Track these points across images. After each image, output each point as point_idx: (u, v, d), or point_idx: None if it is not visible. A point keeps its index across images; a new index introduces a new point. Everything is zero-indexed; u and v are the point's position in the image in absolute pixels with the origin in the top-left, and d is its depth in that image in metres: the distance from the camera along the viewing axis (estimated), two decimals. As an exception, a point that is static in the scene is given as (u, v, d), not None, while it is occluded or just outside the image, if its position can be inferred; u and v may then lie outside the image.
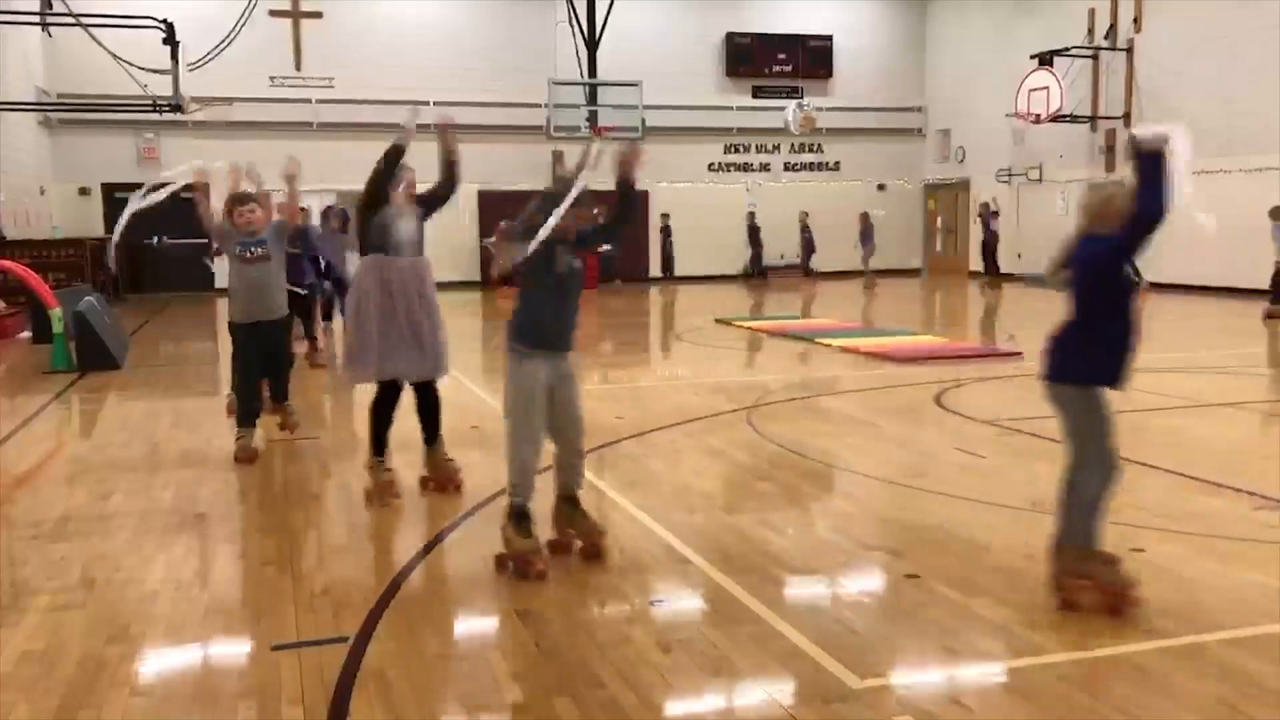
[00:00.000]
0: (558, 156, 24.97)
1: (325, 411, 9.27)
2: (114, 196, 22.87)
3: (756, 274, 24.60)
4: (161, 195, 7.46)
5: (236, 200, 6.86)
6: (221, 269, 8.78)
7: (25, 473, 6.83)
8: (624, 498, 5.80)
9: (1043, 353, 4.20)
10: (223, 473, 6.58)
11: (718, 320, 15.72)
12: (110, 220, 22.64)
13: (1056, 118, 21.77)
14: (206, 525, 5.47)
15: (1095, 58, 22.10)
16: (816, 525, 5.41)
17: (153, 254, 23.22)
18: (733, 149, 26.60)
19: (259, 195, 6.98)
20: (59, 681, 3.56)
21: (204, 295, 21.19)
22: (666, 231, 24.84)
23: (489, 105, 24.10)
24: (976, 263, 24.96)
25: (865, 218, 24.28)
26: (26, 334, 13.90)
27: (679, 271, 24.54)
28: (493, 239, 23.06)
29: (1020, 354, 11.34)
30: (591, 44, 24.62)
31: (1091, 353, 4.13)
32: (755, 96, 26.31)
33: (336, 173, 22.95)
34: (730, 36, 26.01)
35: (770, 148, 26.70)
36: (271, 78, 23.36)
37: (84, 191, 22.76)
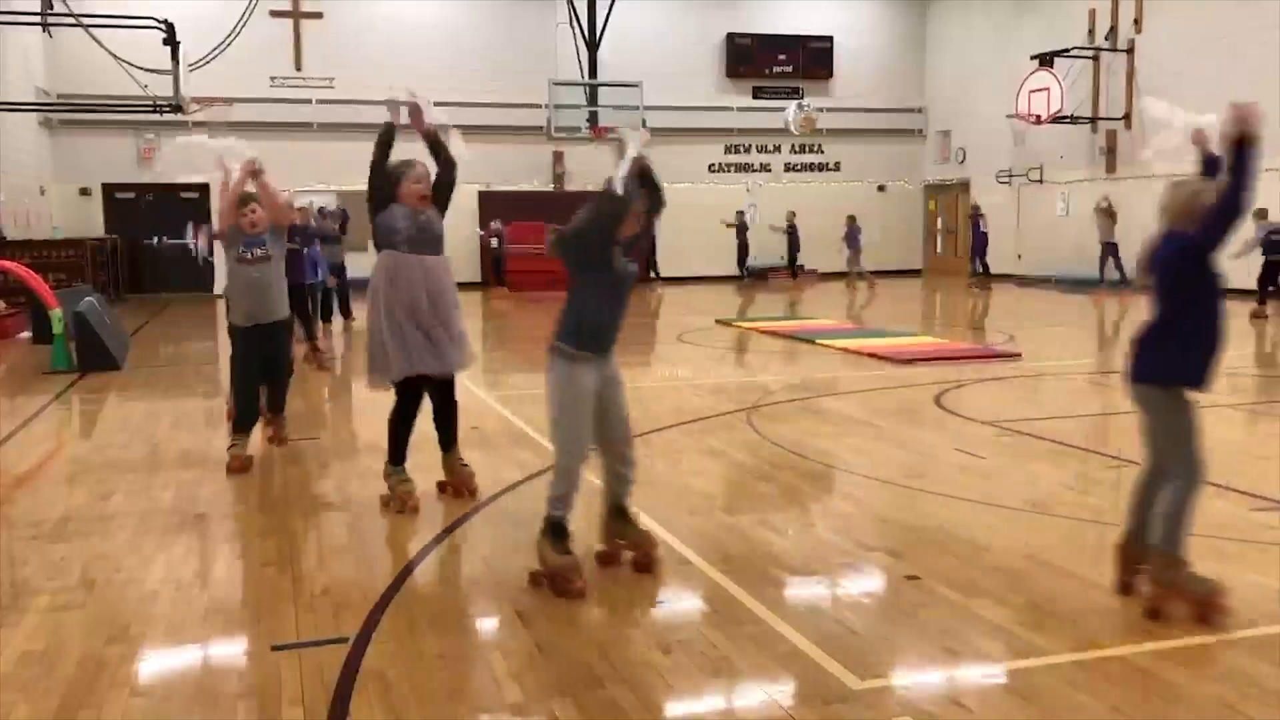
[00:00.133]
0: (558, 157, 25.00)
1: (325, 412, 9.26)
2: (114, 197, 22.91)
3: (745, 275, 24.41)
4: (209, 143, 7.34)
5: (241, 200, 6.74)
6: (221, 270, 8.66)
7: (25, 473, 6.83)
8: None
9: (1127, 353, 4.14)
10: (223, 473, 6.57)
11: (718, 321, 15.72)
12: (111, 221, 22.68)
13: (1057, 119, 21.79)
14: (206, 526, 5.47)
15: (1096, 58, 22.11)
16: (816, 526, 5.41)
17: (153, 254, 23.24)
18: (733, 149, 26.62)
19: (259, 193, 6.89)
20: (59, 682, 3.56)
21: (204, 296, 21.20)
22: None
23: (489, 106, 24.10)
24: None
25: (852, 220, 24.34)
26: (27, 334, 13.90)
27: (680, 272, 24.52)
28: (485, 232, 23.10)
29: (1019, 355, 11.35)
30: (592, 44, 24.65)
31: (1175, 353, 3.99)
32: (755, 97, 26.33)
33: (337, 173, 23.03)
34: (730, 37, 26.02)
35: (771, 148, 26.72)
36: (272, 78, 23.38)
37: (84, 192, 22.78)
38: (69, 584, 4.54)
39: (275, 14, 22.92)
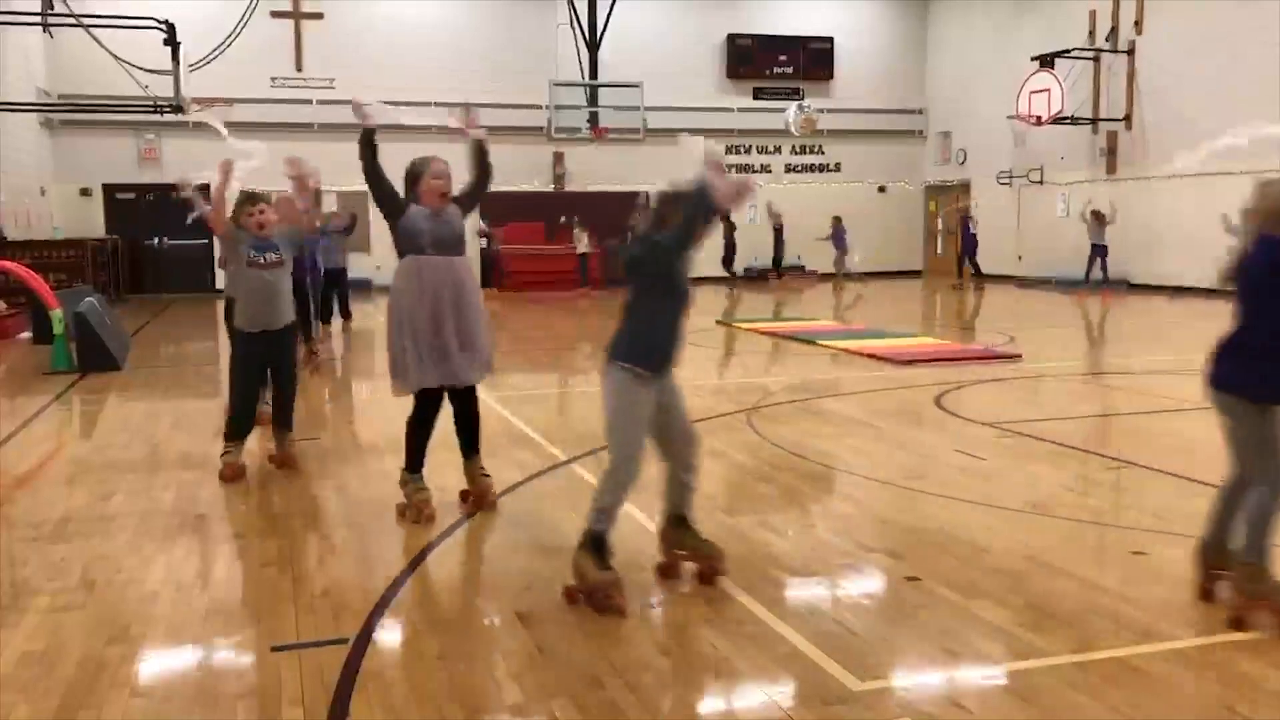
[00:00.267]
0: (558, 158, 25.01)
1: (325, 412, 9.26)
2: (115, 197, 22.91)
3: (734, 276, 24.22)
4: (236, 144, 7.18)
5: (247, 200, 6.45)
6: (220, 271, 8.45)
7: (26, 473, 6.83)
8: (624, 499, 5.79)
9: (1208, 358, 4.08)
10: (223, 474, 6.58)
11: (718, 322, 15.72)
12: (112, 221, 22.67)
13: (1057, 120, 21.78)
14: (207, 526, 5.47)
15: (1096, 59, 22.11)
16: (816, 527, 5.41)
17: (154, 255, 23.25)
18: (733, 150, 26.60)
19: (274, 197, 6.66)
20: (59, 682, 3.56)
21: (205, 296, 21.20)
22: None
23: (490, 106, 24.06)
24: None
25: (837, 221, 24.37)
26: (27, 334, 13.91)
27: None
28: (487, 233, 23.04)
29: (1020, 356, 11.35)
30: (592, 45, 24.65)
31: (1261, 365, 3.86)
32: (756, 98, 26.32)
33: (338, 173, 22.99)
34: (731, 38, 26.02)
35: (771, 149, 26.71)
36: (272, 78, 23.38)
37: (85, 192, 22.78)
38: (69, 584, 4.54)
39: (276, 14, 22.91)
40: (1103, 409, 8.93)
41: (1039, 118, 22.03)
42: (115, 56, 18.21)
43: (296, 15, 23.56)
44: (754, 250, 25.16)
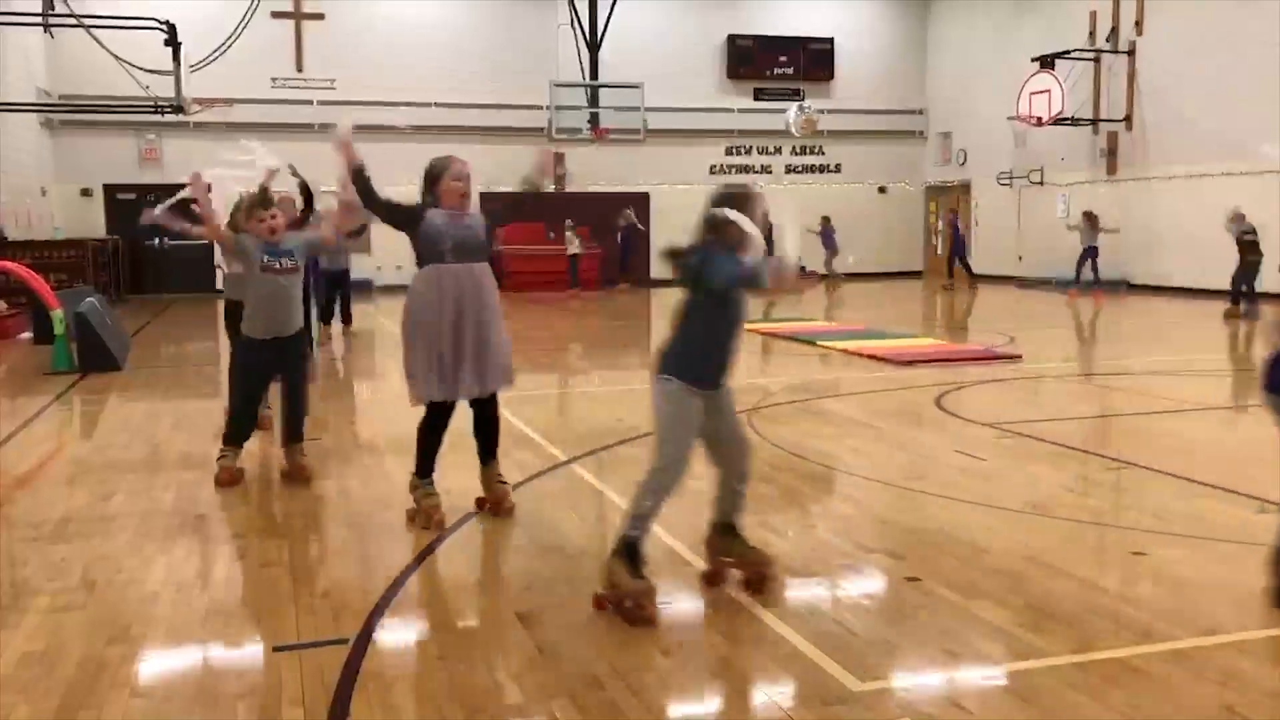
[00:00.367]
0: (559, 158, 25.01)
1: (326, 413, 9.26)
2: (115, 198, 22.92)
3: None
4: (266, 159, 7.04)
5: (258, 203, 6.19)
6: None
7: (26, 473, 6.83)
8: (625, 500, 5.78)
9: (1264, 363, 4.07)
10: (223, 474, 6.58)
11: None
12: (112, 221, 22.67)
13: (1058, 120, 21.79)
14: (207, 527, 5.47)
15: (1097, 60, 22.12)
16: (816, 527, 5.41)
17: (155, 255, 23.26)
18: (734, 151, 26.63)
19: (282, 200, 6.48)
20: (59, 682, 3.56)
21: (205, 297, 21.20)
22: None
23: (490, 107, 24.14)
24: (977, 265, 24.97)
25: (826, 221, 24.39)
26: (28, 335, 13.92)
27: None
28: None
29: (1020, 356, 11.35)
30: (593, 46, 24.67)
31: None
32: (756, 99, 26.34)
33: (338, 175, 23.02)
34: (732, 38, 26.04)
35: (771, 150, 26.73)
36: (273, 79, 23.41)
37: (85, 193, 22.80)
38: (69, 585, 4.54)
39: (276, 15, 22.94)
40: (1103, 409, 8.93)
41: (1039, 118, 22.04)
42: (116, 57, 18.23)
43: (297, 16, 23.58)
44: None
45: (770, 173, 26.82)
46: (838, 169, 27.30)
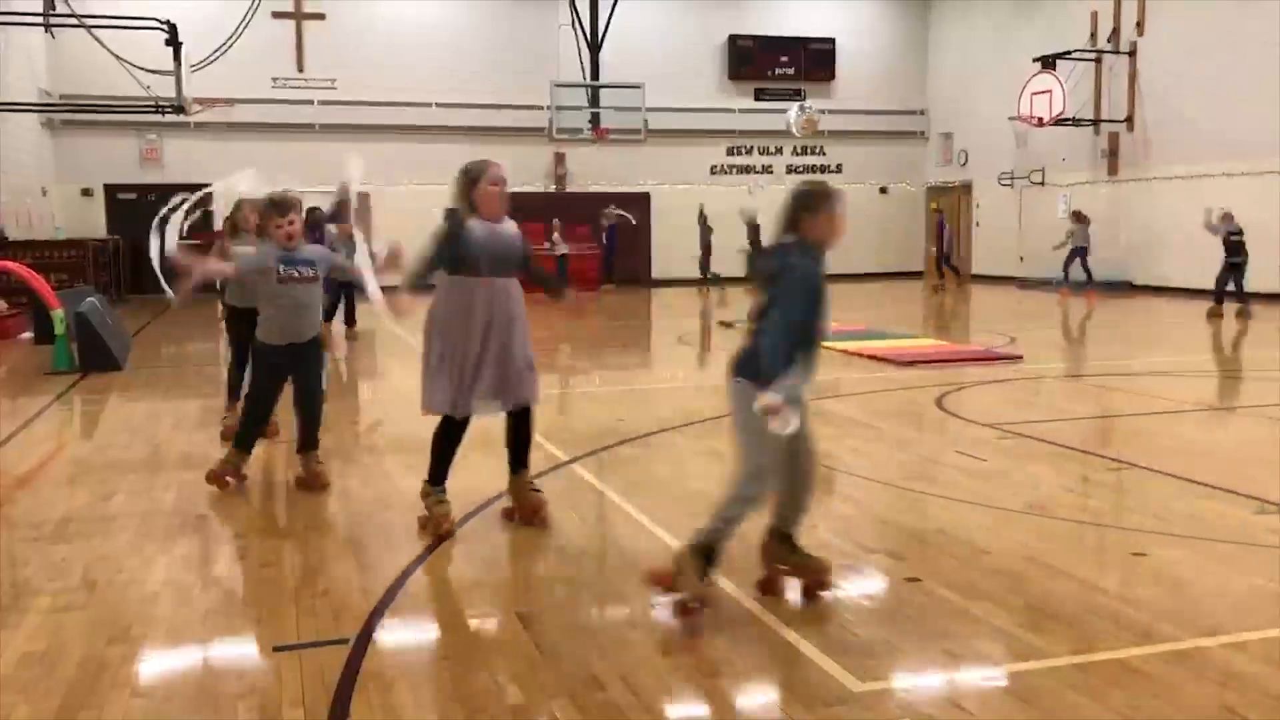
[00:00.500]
0: (559, 158, 25.01)
1: (326, 413, 9.25)
2: (116, 198, 22.93)
3: (710, 278, 24.00)
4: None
5: (275, 209, 5.92)
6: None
7: (26, 473, 6.84)
8: (625, 500, 5.80)
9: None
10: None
11: (720, 323, 15.72)
12: (113, 221, 22.68)
13: (1059, 121, 21.78)
14: (208, 527, 5.47)
15: (1098, 61, 22.11)
16: (817, 528, 5.40)
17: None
18: (735, 151, 26.62)
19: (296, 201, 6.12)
20: (60, 682, 3.56)
21: (207, 297, 21.15)
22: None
23: (490, 107, 24.14)
24: (978, 266, 24.99)
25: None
26: (28, 335, 13.92)
27: (682, 274, 24.46)
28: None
29: (1021, 357, 11.35)
30: (594, 46, 24.66)
31: None
32: (757, 99, 26.33)
33: (339, 174, 23.02)
34: (732, 39, 26.03)
35: (772, 150, 26.71)
36: (274, 79, 23.40)
37: (86, 192, 22.79)
38: (70, 585, 4.54)
39: (277, 15, 22.93)
40: (1103, 410, 8.93)
41: (1040, 119, 22.03)
42: (117, 57, 18.23)
43: (298, 16, 23.58)
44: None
45: (771, 173, 26.81)
46: (839, 169, 27.26)
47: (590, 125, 24.71)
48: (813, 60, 26.60)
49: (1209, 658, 3.65)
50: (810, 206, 4.04)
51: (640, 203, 25.36)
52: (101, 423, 8.85)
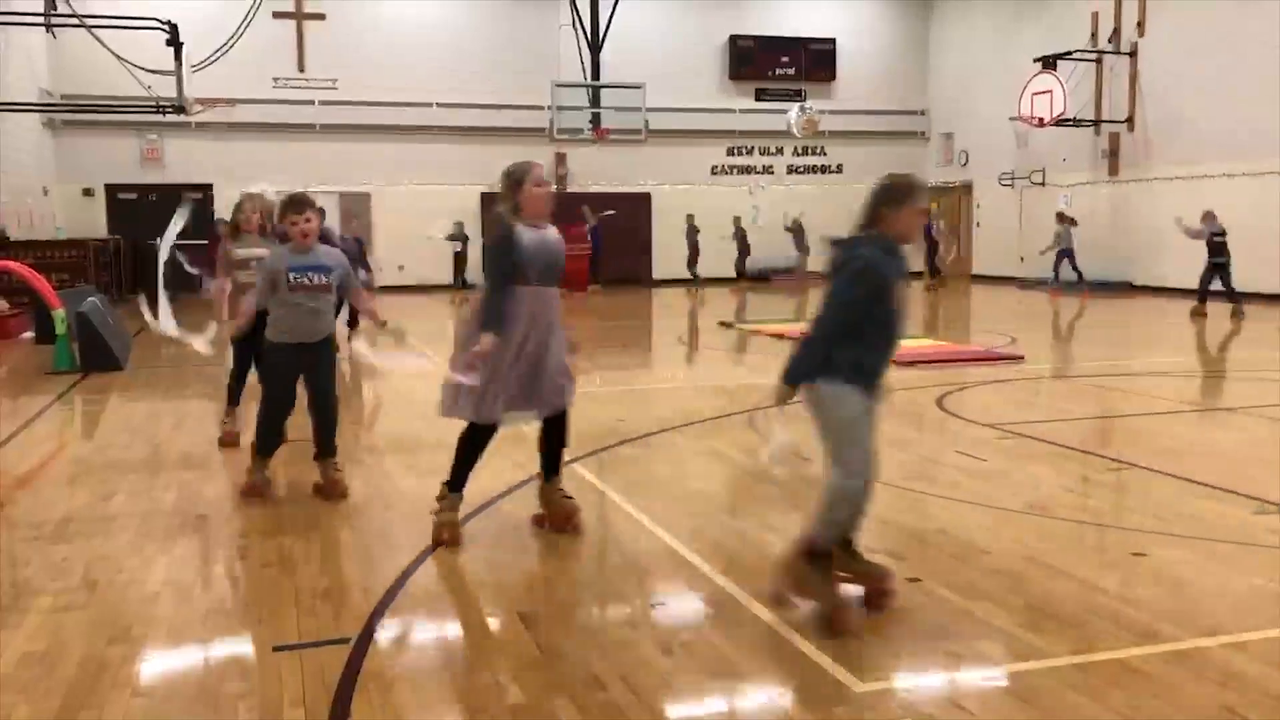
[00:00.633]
0: (560, 158, 25.01)
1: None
2: (117, 198, 22.94)
3: (695, 279, 24.07)
4: None
5: (293, 206, 5.68)
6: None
7: (27, 473, 6.84)
8: (626, 500, 5.80)
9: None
10: (224, 474, 6.59)
11: (721, 323, 15.72)
12: (114, 221, 22.69)
13: (1060, 121, 21.79)
14: (208, 527, 5.47)
15: (1099, 61, 22.11)
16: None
17: (156, 255, 23.26)
18: (735, 152, 26.62)
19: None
20: (60, 682, 3.56)
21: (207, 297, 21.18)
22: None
23: (491, 107, 24.14)
24: (979, 266, 24.98)
25: (799, 224, 24.39)
26: (29, 334, 13.92)
27: (682, 274, 24.48)
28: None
29: (1022, 357, 11.35)
30: (594, 46, 24.66)
31: None
32: (758, 99, 26.34)
33: (339, 174, 23.08)
34: (733, 39, 26.04)
35: (773, 150, 26.73)
36: (275, 79, 23.41)
37: (87, 192, 22.81)
38: (70, 585, 4.54)
39: (278, 15, 22.95)
40: (1103, 410, 8.92)
41: (1041, 119, 22.04)
42: (118, 57, 18.24)
43: (299, 16, 23.59)
44: (755, 251, 25.17)
45: (772, 173, 26.83)
46: (839, 170, 27.28)
47: (591, 125, 24.71)
48: (813, 60, 26.61)
49: (1209, 658, 3.65)
50: (894, 199, 3.90)
51: (641, 203, 25.37)
52: (102, 423, 8.85)
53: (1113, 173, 22.26)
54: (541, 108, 24.35)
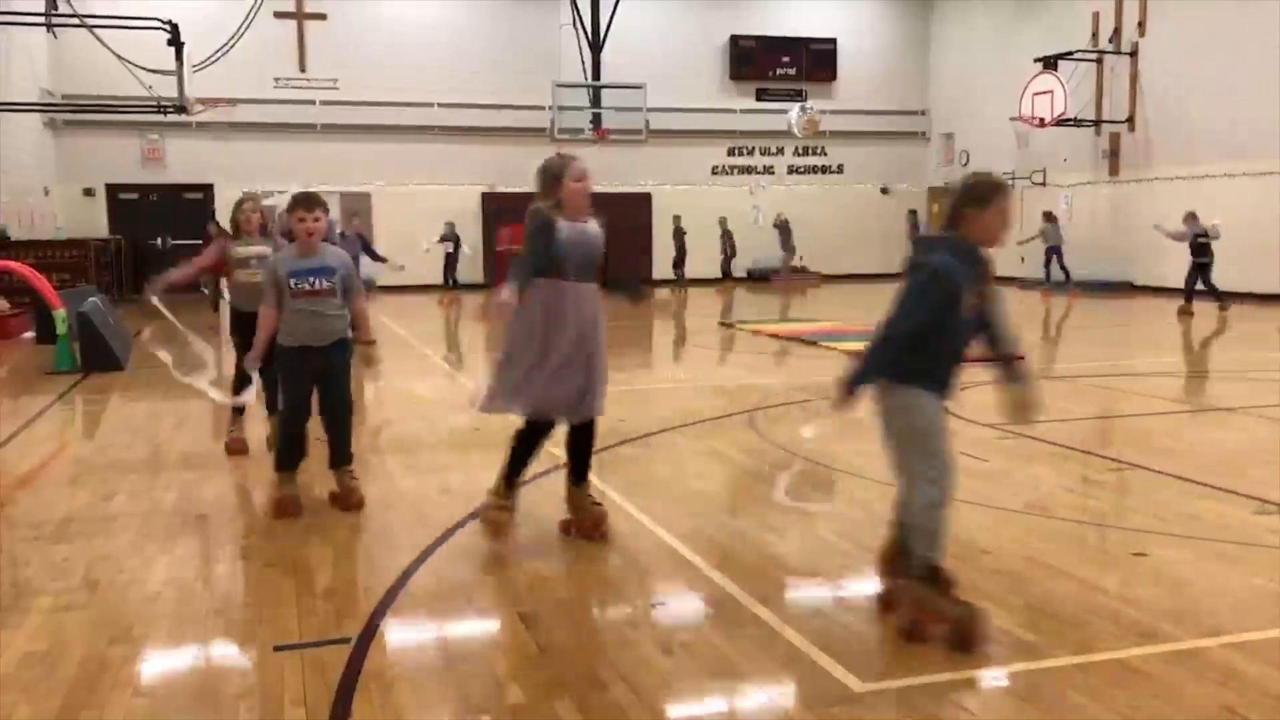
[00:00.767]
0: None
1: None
2: (118, 198, 22.95)
3: (679, 280, 24.11)
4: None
5: (303, 204, 5.49)
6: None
7: (28, 473, 6.84)
8: (626, 500, 5.80)
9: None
10: (225, 474, 6.59)
11: (721, 323, 15.72)
12: (114, 221, 22.69)
13: (1060, 121, 21.79)
14: (209, 526, 5.47)
15: (1099, 61, 22.11)
16: (818, 528, 5.41)
17: (157, 255, 23.29)
18: (736, 152, 26.63)
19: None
20: (61, 682, 3.56)
21: (208, 297, 21.18)
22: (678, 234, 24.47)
23: (492, 107, 24.15)
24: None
25: (785, 223, 24.43)
26: (30, 334, 13.94)
27: (691, 275, 24.46)
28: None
29: (1021, 357, 11.33)
30: (595, 46, 24.68)
31: None
32: (759, 99, 26.35)
33: (340, 174, 23.09)
34: (734, 39, 26.05)
35: (774, 150, 26.73)
36: (275, 79, 23.43)
37: (88, 192, 22.83)
38: (71, 585, 4.55)
39: (279, 15, 22.97)
40: (1103, 410, 8.92)
41: (1042, 119, 22.04)
42: (119, 57, 18.25)
43: (300, 16, 23.61)
44: (755, 251, 25.21)
45: (773, 173, 26.84)
46: (840, 170, 27.30)
47: (591, 125, 24.73)
48: (814, 60, 26.62)
49: (1209, 658, 3.66)
50: (978, 200, 3.76)
51: (642, 203, 25.37)
52: (103, 422, 8.85)
53: (1113, 173, 22.26)
54: (542, 108, 24.36)
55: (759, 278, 25.11)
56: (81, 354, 11.09)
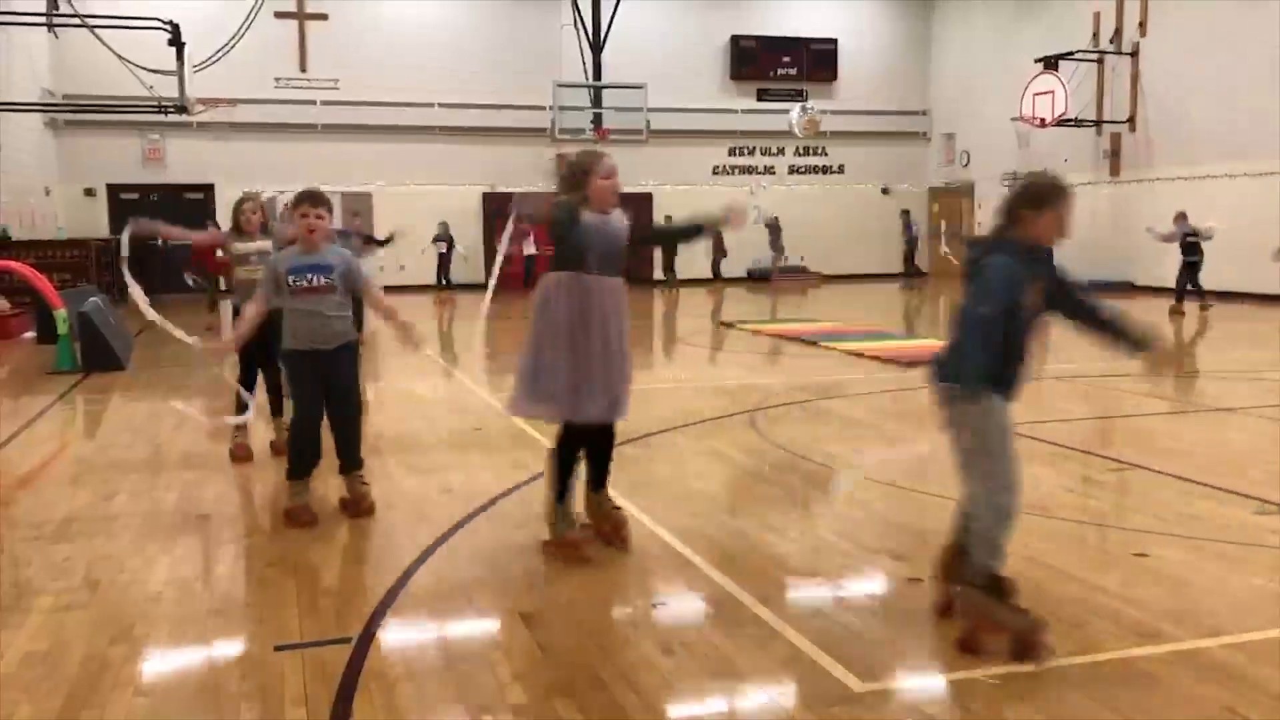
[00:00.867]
0: (562, 159, 25.00)
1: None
2: (119, 198, 22.96)
3: (668, 280, 24.16)
4: None
5: (309, 199, 5.42)
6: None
7: (29, 473, 6.85)
8: (627, 500, 5.79)
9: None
10: (226, 474, 6.59)
11: (722, 323, 15.72)
12: (115, 221, 22.69)
13: (1061, 121, 21.78)
14: (210, 526, 5.48)
15: (1100, 61, 22.11)
16: (819, 528, 5.42)
17: (158, 255, 23.28)
18: (737, 152, 26.63)
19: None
20: (62, 682, 3.57)
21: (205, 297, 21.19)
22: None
23: (492, 107, 24.15)
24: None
25: (774, 221, 24.44)
26: (31, 334, 13.94)
27: (683, 274, 24.48)
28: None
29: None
30: (596, 46, 24.68)
31: None
32: (759, 99, 26.36)
33: (341, 174, 23.08)
34: (735, 39, 26.05)
35: (774, 150, 26.73)
36: (276, 79, 23.44)
37: (89, 192, 22.84)
38: (72, 584, 4.55)
39: (280, 15, 22.98)
40: (1103, 411, 8.92)
41: (1043, 119, 22.03)
42: (119, 57, 18.25)
43: (300, 16, 23.61)
44: (755, 251, 25.20)
45: (774, 173, 26.84)
46: (841, 170, 27.30)
47: (592, 125, 24.73)
48: (814, 60, 26.62)
49: (1210, 658, 3.66)
50: (1036, 201, 3.68)
51: (642, 203, 25.37)
52: (104, 422, 8.85)
53: (1114, 173, 22.25)
54: (543, 108, 24.37)
55: (759, 278, 25.10)
56: (82, 354, 11.09)
